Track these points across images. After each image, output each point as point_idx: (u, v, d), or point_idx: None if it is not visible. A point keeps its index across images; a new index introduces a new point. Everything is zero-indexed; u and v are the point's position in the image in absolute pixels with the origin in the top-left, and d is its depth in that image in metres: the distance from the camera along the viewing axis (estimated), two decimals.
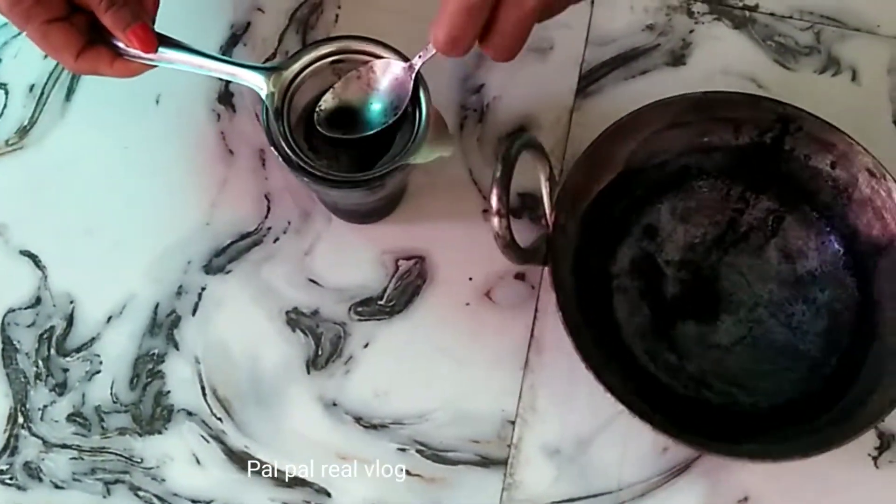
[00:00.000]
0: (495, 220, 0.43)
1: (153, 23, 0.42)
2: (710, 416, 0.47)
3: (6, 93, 0.54)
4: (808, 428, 0.45)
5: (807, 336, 0.48)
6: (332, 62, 0.43)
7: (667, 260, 0.50)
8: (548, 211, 0.46)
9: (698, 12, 0.55)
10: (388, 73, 0.42)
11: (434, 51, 0.39)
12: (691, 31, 0.55)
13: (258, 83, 0.42)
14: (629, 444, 0.47)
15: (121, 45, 0.42)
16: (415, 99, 0.42)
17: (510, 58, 0.38)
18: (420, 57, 0.41)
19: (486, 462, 0.47)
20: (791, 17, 0.55)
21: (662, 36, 0.55)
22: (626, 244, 0.50)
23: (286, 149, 0.41)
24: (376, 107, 0.43)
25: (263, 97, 0.42)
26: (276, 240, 0.51)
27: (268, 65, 0.42)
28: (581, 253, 0.48)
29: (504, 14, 0.36)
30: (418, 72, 0.42)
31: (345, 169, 0.43)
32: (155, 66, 0.43)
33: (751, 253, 0.50)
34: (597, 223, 0.49)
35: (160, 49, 0.42)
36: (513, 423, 0.48)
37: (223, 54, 0.53)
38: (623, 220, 0.50)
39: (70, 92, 0.54)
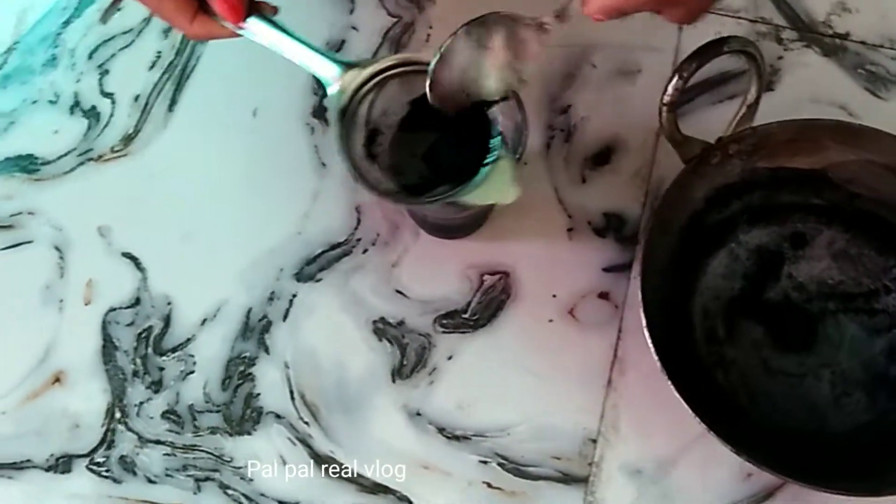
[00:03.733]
0: (672, 83, 0.41)
1: None
2: (714, 393, 0.47)
3: (113, 102, 0.56)
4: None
5: (843, 417, 0.47)
6: (414, 72, 0.41)
7: (790, 273, 0.49)
8: (730, 128, 0.45)
9: (787, 39, 0.56)
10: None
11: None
12: (780, 58, 0.55)
13: (330, 76, 0.40)
14: (711, 469, 0.47)
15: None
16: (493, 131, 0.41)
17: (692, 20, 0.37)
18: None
19: (567, 479, 0.48)
20: (882, 46, 0.55)
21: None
22: (767, 231, 0.49)
23: (349, 158, 0.40)
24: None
25: (329, 94, 0.41)
26: (365, 251, 0.52)
27: (346, 59, 0.41)
28: (724, 194, 0.47)
29: None
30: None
31: (412, 174, 0.43)
32: (239, 36, 0.41)
33: (864, 328, 0.49)
34: (758, 187, 0.48)
35: (248, 19, 0.40)
36: (594, 441, 0.48)
37: None
38: (782, 211, 0.49)
39: (173, 103, 0.56)
